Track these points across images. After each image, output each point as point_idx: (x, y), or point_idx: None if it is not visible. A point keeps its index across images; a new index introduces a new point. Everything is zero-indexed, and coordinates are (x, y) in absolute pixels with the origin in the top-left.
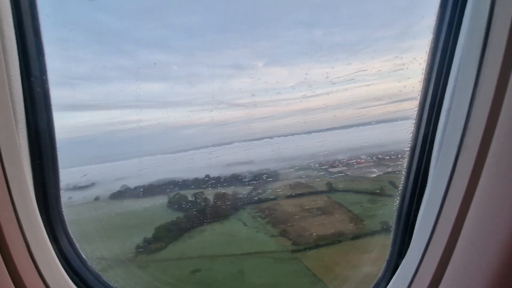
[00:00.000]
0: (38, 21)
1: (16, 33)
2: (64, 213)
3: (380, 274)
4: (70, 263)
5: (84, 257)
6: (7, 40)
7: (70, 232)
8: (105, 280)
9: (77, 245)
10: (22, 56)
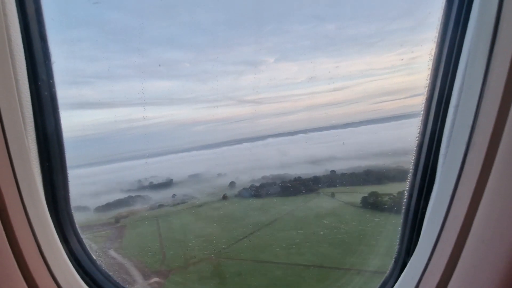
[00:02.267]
0: (44, 26)
1: (22, 38)
2: (73, 214)
3: (388, 272)
4: (80, 263)
5: (93, 257)
6: (14, 45)
7: (79, 232)
8: (115, 279)
9: (87, 245)
10: (29, 60)
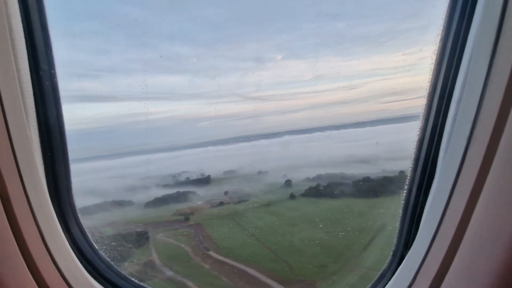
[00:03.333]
0: (45, 15)
1: (24, 27)
2: (75, 204)
3: (385, 265)
4: (82, 252)
5: (96, 246)
6: (15, 34)
7: (81, 222)
8: (117, 268)
9: (89, 235)
10: (31, 50)
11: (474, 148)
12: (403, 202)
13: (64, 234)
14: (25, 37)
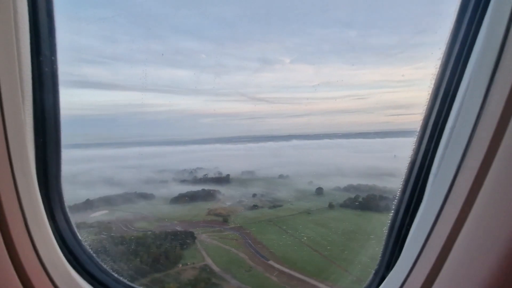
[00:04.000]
0: (51, 1)
1: (29, 11)
2: (63, 192)
3: (366, 284)
4: (65, 241)
5: (79, 237)
6: (20, 16)
7: (67, 211)
8: (98, 260)
9: (74, 225)
10: (34, 34)
11: (463, 176)
12: (389, 222)
13: (48, 221)
14: (29, 21)
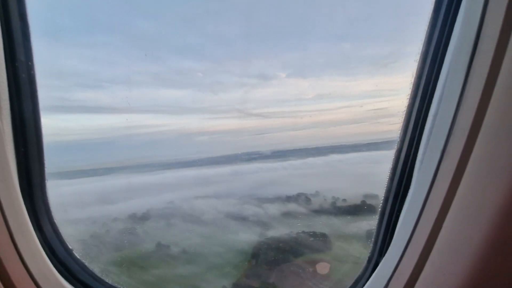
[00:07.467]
0: (24, 4)
1: (0, 15)
2: (49, 202)
3: (360, 271)
4: (55, 252)
5: (69, 246)
6: None
7: (55, 221)
8: (91, 269)
9: (62, 235)
10: (7, 39)
11: (447, 160)
12: (379, 210)
13: (36, 233)
14: (1, 26)
